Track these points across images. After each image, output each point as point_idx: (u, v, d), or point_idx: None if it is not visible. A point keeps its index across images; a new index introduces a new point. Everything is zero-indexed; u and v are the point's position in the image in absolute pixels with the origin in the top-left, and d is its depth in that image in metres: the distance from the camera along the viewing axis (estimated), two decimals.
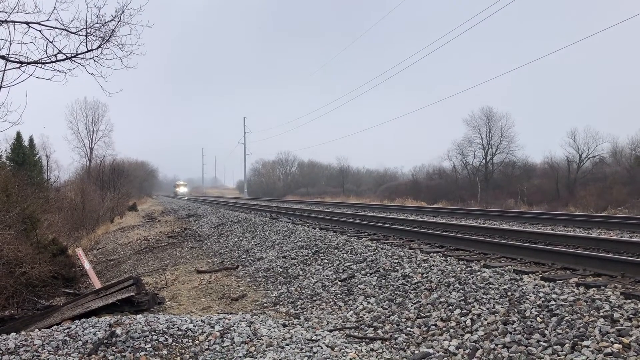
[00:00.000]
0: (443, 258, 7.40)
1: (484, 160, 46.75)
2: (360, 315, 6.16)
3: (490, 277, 5.92)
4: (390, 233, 11.01)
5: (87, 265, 10.29)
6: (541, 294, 5.04)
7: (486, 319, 4.94)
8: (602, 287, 5.07)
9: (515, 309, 4.93)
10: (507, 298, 5.22)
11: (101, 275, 13.39)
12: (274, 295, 8.02)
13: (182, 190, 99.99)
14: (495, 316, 4.93)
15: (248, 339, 5.01)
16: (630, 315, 4.23)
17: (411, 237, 10.15)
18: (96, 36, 7.87)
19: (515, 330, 4.55)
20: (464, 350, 4.56)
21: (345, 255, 8.96)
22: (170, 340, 5.03)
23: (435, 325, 5.24)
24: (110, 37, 7.91)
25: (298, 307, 7.11)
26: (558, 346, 4.09)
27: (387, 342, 5.11)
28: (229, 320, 5.55)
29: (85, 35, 7.80)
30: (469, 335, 4.80)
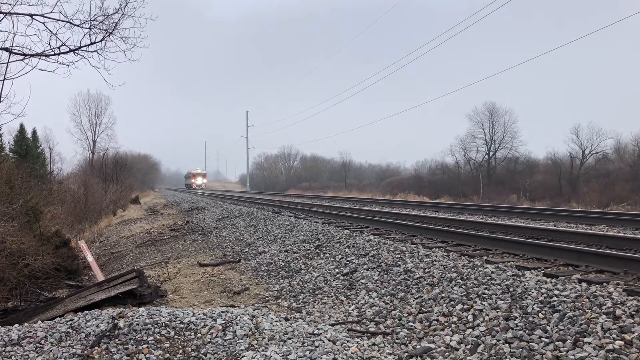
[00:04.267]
0: (445, 253, 7.40)
1: (486, 156, 46.69)
2: (362, 309, 6.17)
3: (492, 272, 5.92)
4: (392, 228, 11.00)
5: (89, 258, 10.32)
6: (543, 290, 5.04)
7: (488, 315, 4.94)
8: (605, 284, 5.07)
9: (517, 305, 4.93)
10: (509, 294, 5.22)
11: (104, 267, 13.43)
12: (276, 289, 8.03)
13: (200, 181, 79.18)
14: (497, 312, 4.93)
15: (250, 333, 5.02)
16: (633, 312, 4.22)
17: (413, 232, 10.14)
18: (99, 29, 7.88)
19: (517, 326, 4.55)
20: (465, 346, 4.57)
21: (347, 249, 8.96)
22: (172, 333, 5.05)
23: (437, 320, 5.24)
24: (113, 29, 7.92)
25: (300, 301, 7.12)
26: (560, 342, 4.09)
27: (388, 337, 5.12)
28: (231, 313, 5.57)
29: (89, 28, 7.81)
30: (470, 330, 4.80)
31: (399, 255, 7.65)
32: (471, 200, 33.29)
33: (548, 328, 4.37)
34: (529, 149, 53.75)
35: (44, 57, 7.72)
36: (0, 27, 7.41)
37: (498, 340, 4.42)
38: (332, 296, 7.00)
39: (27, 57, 7.64)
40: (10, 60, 7.63)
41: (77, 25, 7.76)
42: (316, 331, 5.07)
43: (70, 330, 5.09)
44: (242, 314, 5.57)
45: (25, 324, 5.55)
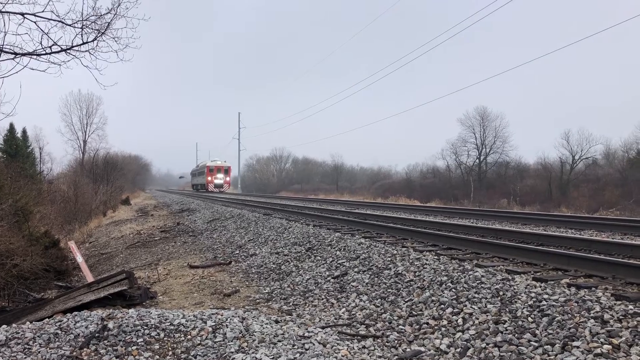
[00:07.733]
0: (436, 257, 7.43)
1: (477, 160, 46.97)
2: (353, 312, 6.18)
3: (482, 276, 5.95)
4: (383, 231, 11.03)
5: (79, 259, 10.24)
6: (533, 294, 5.08)
7: (478, 318, 4.97)
8: (593, 288, 5.11)
9: (507, 309, 4.96)
10: (499, 298, 5.25)
11: (93, 268, 13.34)
12: (266, 291, 8.02)
13: (220, 180, 56.62)
14: (487, 315, 4.96)
15: (240, 335, 5.01)
16: (620, 317, 4.27)
17: (404, 235, 10.17)
18: (92, 29, 7.85)
19: (506, 330, 4.58)
20: (455, 349, 4.59)
21: (338, 252, 8.97)
22: (162, 335, 5.02)
23: (427, 323, 5.26)
24: (106, 29, 7.90)
25: (290, 304, 7.12)
26: (549, 346, 4.12)
27: (379, 340, 5.13)
28: (222, 315, 5.55)
29: (81, 28, 7.78)
30: (460, 334, 4.83)
31: (389, 259, 7.67)
32: (462, 204, 33.45)
33: (537, 332, 4.40)
34: (520, 153, 54.38)
35: (35, 57, 7.67)
36: None
37: (487, 344, 4.44)
38: (322, 299, 7.01)
39: (18, 56, 7.59)
40: (1, 59, 7.58)
41: (69, 25, 7.73)
42: (306, 334, 5.07)
43: (59, 332, 5.04)
44: (233, 316, 5.55)
45: (13, 325, 5.49)
